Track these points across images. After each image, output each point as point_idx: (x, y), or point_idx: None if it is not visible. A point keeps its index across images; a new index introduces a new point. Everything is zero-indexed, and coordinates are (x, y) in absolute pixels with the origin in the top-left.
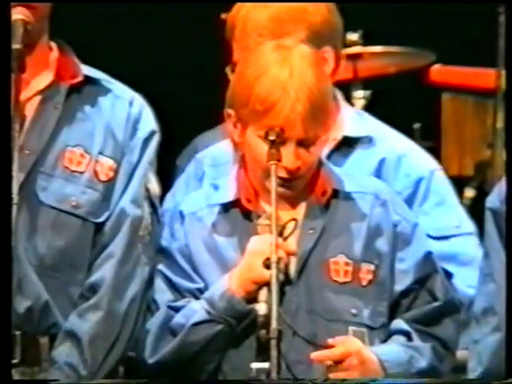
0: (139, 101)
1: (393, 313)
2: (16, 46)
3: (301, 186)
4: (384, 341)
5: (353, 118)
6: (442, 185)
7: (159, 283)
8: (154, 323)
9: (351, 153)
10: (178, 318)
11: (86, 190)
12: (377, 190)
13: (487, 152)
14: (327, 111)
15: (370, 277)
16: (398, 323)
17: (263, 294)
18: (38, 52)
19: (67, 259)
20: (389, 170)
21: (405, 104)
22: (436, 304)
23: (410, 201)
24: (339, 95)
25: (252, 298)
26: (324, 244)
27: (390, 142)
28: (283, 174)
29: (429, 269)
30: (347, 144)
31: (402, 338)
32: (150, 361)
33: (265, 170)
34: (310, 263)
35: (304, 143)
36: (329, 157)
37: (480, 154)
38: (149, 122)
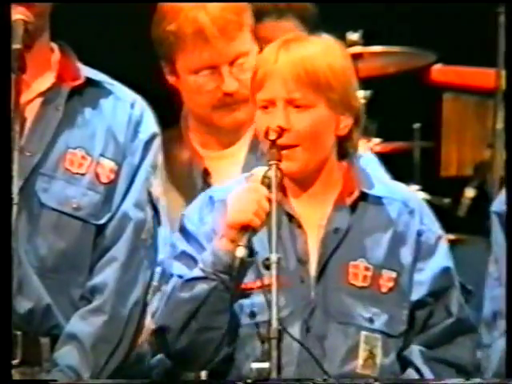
0: (141, 103)
1: (409, 325)
2: (16, 46)
3: (301, 160)
4: (401, 349)
5: None
6: None
7: (180, 261)
8: (164, 292)
9: None
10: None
11: (87, 191)
12: (406, 198)
13: (487, 152)
14: (325, 83)
15: (391, 284)
16: (412, 353)
17: (243, 238)
18: (38, 53)
19: (68, 261)
20: None
21: (405, 104)
22: (450, 321)
23: None
24: None
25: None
26: (346, 246)
27: None
28: (273, 137)
29: (446, 283)
30: None
31: (414, 374)
32: (153, 327)
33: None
34: (331, 264)
35: (293, 105)
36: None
37: (480, 154)
38: (150, 124)
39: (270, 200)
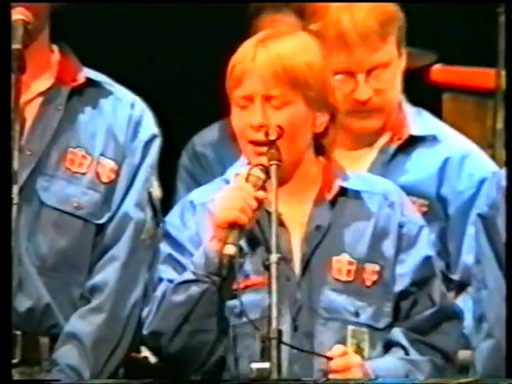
0: (140, 104)
1: (394, 316)
2: (16, 46)
3: (284, 157)
4: (386, 343)
5: (415, 117)
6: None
7: (168, 266)
8: (154, 297)
9: (414, 151)
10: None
11: (88, 191)
12: (386, 191)
13: (487, 152)
14: (303, 80)
15: (375, 277)
16: (397, 334)
17: (231, 236)
18: (37, 54)
19: (68, 260)
20: (452, 169)
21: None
22: (433, 309)
23: (471, 200)
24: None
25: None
26: (329, 242)
27: (453, 141)
28: (251, 135)
29: (428, 272)
30: (411, 143)
31: (399, 352)
32: (145, 332)
33: (242, 136)
34: (314, 260)
35: (271, 101)
36: (394, 155)
37: None
38: (150, 125)
39: (256, 198)
